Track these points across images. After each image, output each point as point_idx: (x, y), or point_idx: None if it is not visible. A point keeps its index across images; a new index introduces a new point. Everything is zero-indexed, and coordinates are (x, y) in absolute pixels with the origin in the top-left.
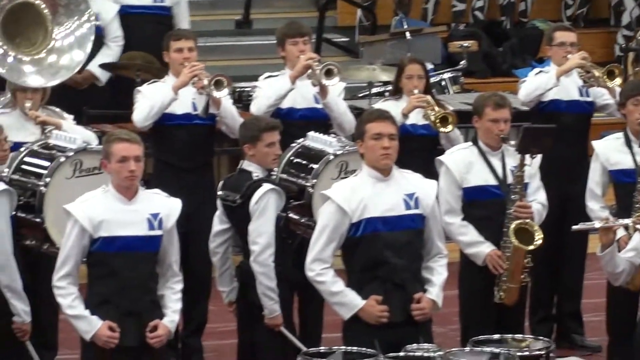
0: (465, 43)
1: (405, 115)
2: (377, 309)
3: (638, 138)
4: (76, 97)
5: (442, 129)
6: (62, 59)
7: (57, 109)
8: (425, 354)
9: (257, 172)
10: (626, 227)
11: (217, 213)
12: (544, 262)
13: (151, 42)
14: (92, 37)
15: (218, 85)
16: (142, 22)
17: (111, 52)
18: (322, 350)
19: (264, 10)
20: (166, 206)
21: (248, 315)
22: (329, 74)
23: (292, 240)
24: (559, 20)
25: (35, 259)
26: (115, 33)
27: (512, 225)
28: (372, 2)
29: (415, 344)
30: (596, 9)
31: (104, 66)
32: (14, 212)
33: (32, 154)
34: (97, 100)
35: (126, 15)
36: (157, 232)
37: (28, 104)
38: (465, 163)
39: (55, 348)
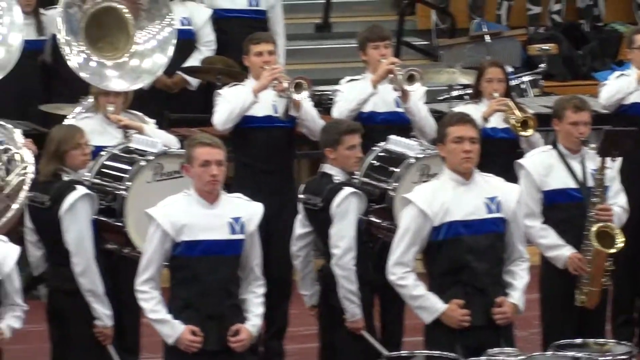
0: (545, 46)
1: (486, 119)
2: (458, 313)
3: None
4: (165, 101)
5: (522, 133)
6: (144, 63)
7: (139, 113)
8: (507, 358)
9: (338, 176)
10: None
11: (299, 216)
12: (625, 266)
13: None
14: (174, 41)
15: (298, 87)
16: (237, 26)
17: (202, 57)
18: (403, 354)
19: (343, 14)
20: (248, 210)
21: (329, 318)
22: (410, 79)
23: (373, 244)
24: (635, 23)
25: (117, 263)
26: (208, 37)
27: (593, 229)
28: (446, 5)
29: (496, 348)
30: None
31: (184, 70)
32: (95, 216)
33: (113, 158)
34: (187, 104)
35: (221, 19)
36: (239, 236)
37: (110, 108)
38: (544, 166)
39: (137, 352)
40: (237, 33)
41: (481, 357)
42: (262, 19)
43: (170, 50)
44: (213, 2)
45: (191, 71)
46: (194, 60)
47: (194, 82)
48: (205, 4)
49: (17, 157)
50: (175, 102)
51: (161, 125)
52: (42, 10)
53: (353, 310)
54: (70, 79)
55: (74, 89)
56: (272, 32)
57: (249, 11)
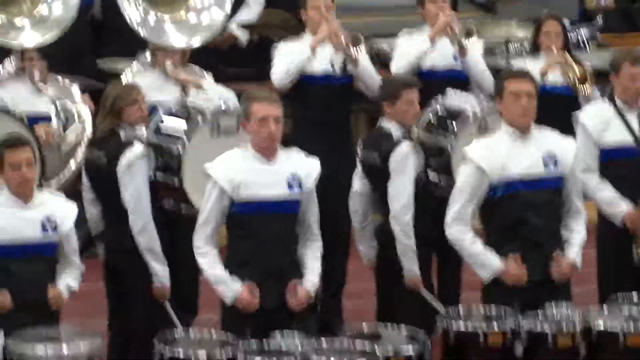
0: None
1: (544, 74)
2: (516, 269)
3: None
4: (219, 56)
5: (580, 88)
6: (201, 18)
7: (197, 68)
8: (563, 314)
9: (396, 131)
10: None
11: (357, 172)
12: None
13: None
14: None
15: (355, 42)
16: None
17: (252, 12)
18: (460, 311)
19: None
20: (305, 166)
21: (387, 275)
22: (469, 33)
23: (431, 200)
24: None
25: (174, 221)
26: None
27: None
28: None
29: (553, 304)
30: None
31: (240, 25)
32: (152, 174)
33: (170, 114)
34: (240, 60)
35: None
36: (297, 192)
37: (169, 63)
38: (602, 120)
39: (195, 310)
40: None
41: (538, 313)
42: None
43: (227, 5)
44: None
45: (249, 27)
46: (244, 15)
47: (243, 37)
48: None
49: (74, 113)
50: (229, 58)
51: (218, 80)
52: None
53: (410, 266)
54: (121, 35)
55: (124, 44)
56: None
57: None
